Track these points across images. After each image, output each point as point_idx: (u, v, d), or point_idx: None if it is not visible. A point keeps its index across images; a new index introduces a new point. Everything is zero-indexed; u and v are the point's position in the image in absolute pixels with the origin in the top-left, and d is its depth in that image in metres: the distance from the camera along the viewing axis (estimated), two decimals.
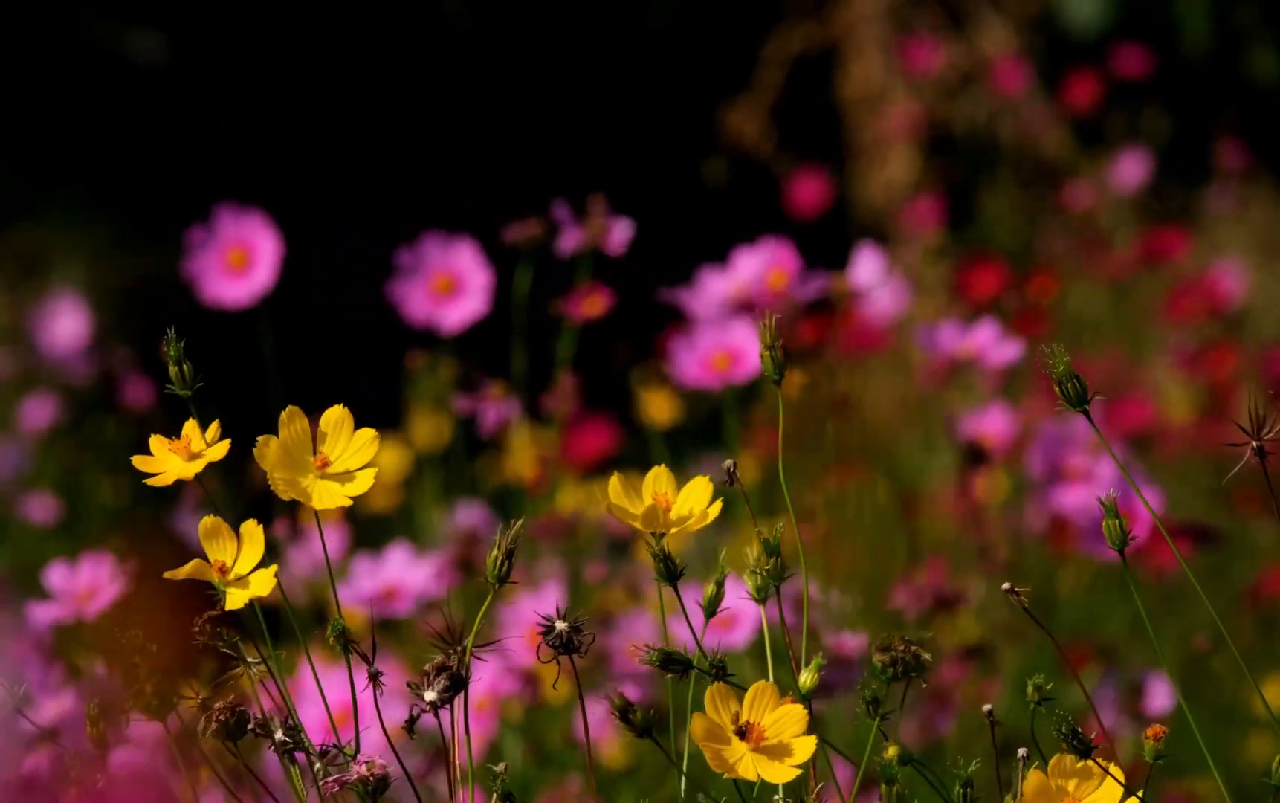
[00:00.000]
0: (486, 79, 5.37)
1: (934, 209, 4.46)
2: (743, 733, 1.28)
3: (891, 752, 1.33)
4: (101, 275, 4.68)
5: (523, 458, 2.66)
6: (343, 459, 1.32)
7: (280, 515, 2.42)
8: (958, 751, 2.14)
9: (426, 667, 1.29)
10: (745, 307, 2.39)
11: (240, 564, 1.30)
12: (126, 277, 4.72)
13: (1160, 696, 2.23)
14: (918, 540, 2.75)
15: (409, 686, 1.30)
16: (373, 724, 1.32)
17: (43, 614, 1.90)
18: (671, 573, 1.34)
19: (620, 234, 2.29)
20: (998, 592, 2.69)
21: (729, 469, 1.36)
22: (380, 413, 2.47)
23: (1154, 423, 3.34)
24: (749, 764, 1.27)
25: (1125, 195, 4.34)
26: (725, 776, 1.28)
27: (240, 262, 2.33)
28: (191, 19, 5.23)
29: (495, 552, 1.31)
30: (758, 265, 2.40)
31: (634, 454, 2.53)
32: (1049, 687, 1.32)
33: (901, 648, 1.29)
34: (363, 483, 1.32)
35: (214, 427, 1.32)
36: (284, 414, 1.32)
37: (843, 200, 4.76)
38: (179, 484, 1.31)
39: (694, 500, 1.35)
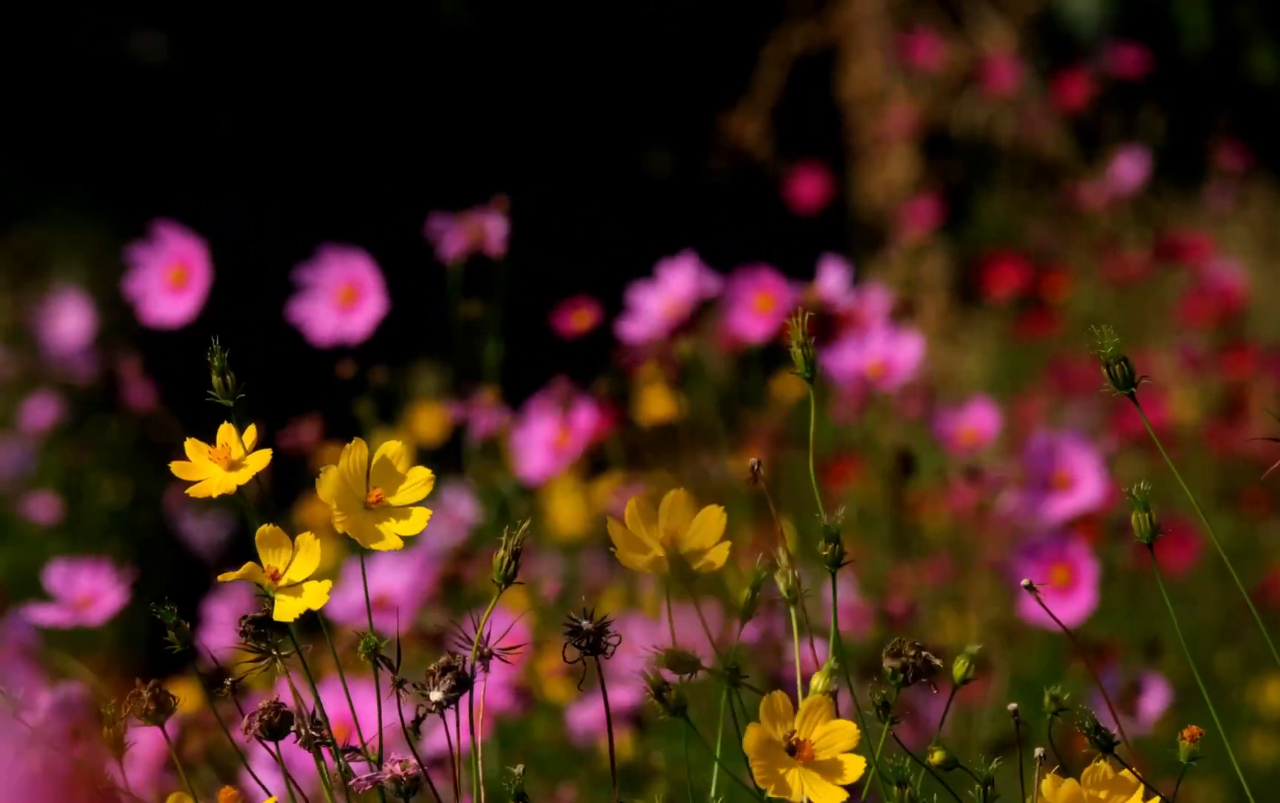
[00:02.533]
0: (486, 79, 5.37)
1: (933, 209, 4.46)
2: (793, 749, 1.24)
3: (937, 756, 1.29)
4: (102, 275, 4.68)
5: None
6: (398, 495, 1.30)
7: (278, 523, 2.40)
8: (955, 750, 2.13)
9: (431, 667, 1.28)
10: (677, 324, 2.38)
11: (292, 572, 1.28)
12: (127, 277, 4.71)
13: (1158, 697, 2.23)
14: (911, 540, 2.75)
15: (414, 686, 1.29)
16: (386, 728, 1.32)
17: (42, 617, 1.88)
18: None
19: (498, 233, 2.28)
20: (994, 591, 2.69)
21: (753, 467, 1.34)
22: (378, 414, 2.47)
23: (1162, 424, 3.33)
24: (797, 781, 1.23)
25: (1124, 195, 4.34)
26: (771, 792, 1.23)
27: (180, 279, 2.29)
28: (191, 19, 5.23)
29: (502, 552, 1.30)
30: (687, 281, 2.39)
31: (625, 452, 2.52)
32: (1054, 686, 1.31)
33: (912, 653, 1.28)
34: (418, 522, 1.29)
35: (251, 431, 1.30)
36: (347, 445, 1.29)
37: (842, 200, 4.76)
38: (177, 486, 1.30)
39: (704, 535, 1.29)
